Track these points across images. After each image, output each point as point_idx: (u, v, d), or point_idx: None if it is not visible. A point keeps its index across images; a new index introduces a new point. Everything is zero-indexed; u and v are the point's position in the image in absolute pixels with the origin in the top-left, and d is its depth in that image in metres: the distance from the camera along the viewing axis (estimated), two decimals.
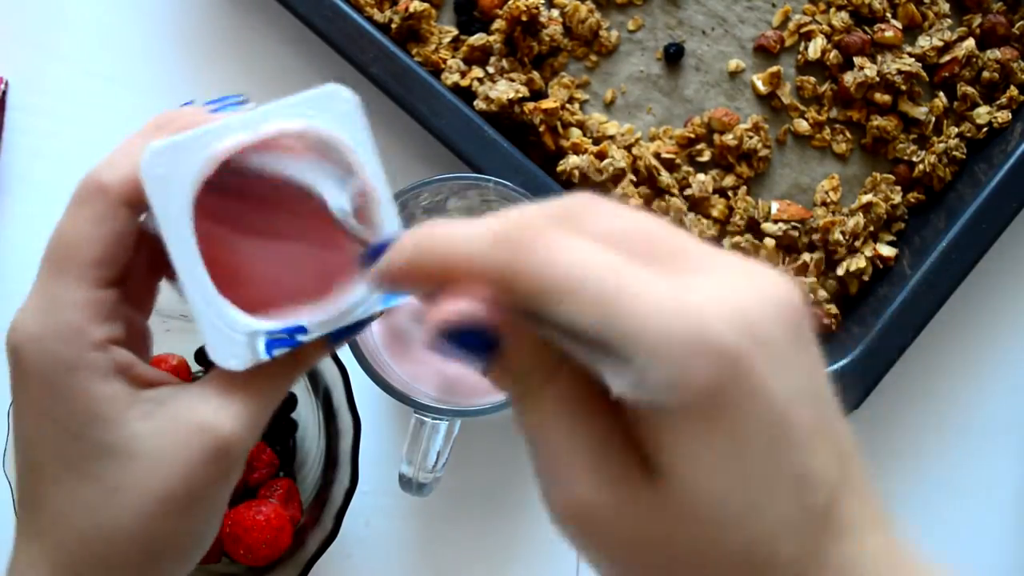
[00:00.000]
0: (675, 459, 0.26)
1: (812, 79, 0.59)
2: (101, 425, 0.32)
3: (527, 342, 0.28)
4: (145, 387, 0.33)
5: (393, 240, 0.28)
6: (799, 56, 0.59)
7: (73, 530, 0.32)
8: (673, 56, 0.59)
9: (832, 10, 0.59)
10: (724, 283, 0.26)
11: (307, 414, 0.56)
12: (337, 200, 0.34)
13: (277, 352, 0.33)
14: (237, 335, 0.33)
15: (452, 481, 0.57)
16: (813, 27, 0.59)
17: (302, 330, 0.34)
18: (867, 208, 0.58)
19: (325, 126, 0.34)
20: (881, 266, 0.59)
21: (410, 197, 0.49)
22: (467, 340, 0.27)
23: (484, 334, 0.27)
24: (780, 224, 0.58)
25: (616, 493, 0.26)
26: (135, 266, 0.34)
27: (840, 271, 0.58)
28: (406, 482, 0.50)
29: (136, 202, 0.33)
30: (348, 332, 0.35)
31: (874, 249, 0.58)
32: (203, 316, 0.33)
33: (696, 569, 0.27)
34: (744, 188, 0.58)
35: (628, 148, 0.58)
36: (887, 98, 0.58)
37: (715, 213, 0.58)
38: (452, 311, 0.27)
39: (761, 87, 0.59)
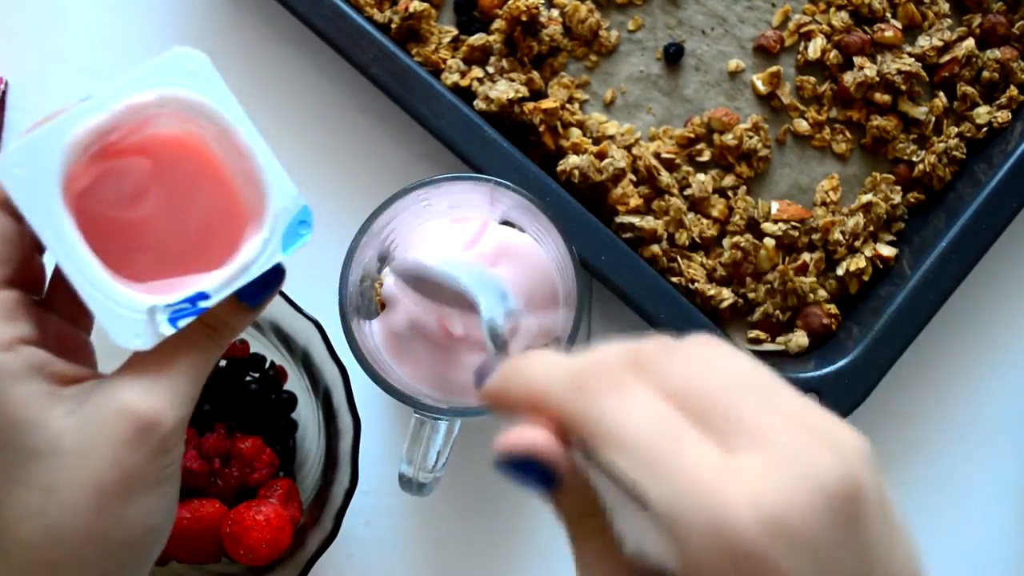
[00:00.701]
0: None
1: (812, 79, 0.59)
2: (24, 430, 0.32)
3: (583, 487, 0.29)
4: (67, 384, 0.33)
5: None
6: (799, 56, 0.59)
7: (19, 540, 0.32)
8: (673, 56, 0.59)
9: (832, 10, 0.59)
10: (772, 465, 0.25)
11: (307, 414, 0.56)
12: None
13: (183, 323, 0.33)
14: (136, 314, 0.33)
15: (452, 481, 0.57)
16: (813, 27, 0.59)
17: (203, 296, 0.34)
18: (867, 208, 0.58)
19: (181, 88, 0.34)
20: (881, 266, 0.59)
21: (410, 199, 0.49)
22: (527, 470, 0.28)
23: (543, 470, 0.28)
24: (780, 224, 0.58)
25: None
26: (58, 276, 0.34)
27: (840, 271, 0.58)
28: (406, 482, 0.50)
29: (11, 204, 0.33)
30: (260, 289, 0.35)
31: (874, 249, 0.58)
32: (94, 301, 0.32)
33: None
34: (744, 188, 0.58)
35: (628, 148, 0.58)
36: (887, 98, 0.58)
37: (715, 213, 0.58)
38: (518, 441, 0.28)
39: (761, 87, 0.59)
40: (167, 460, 0.33)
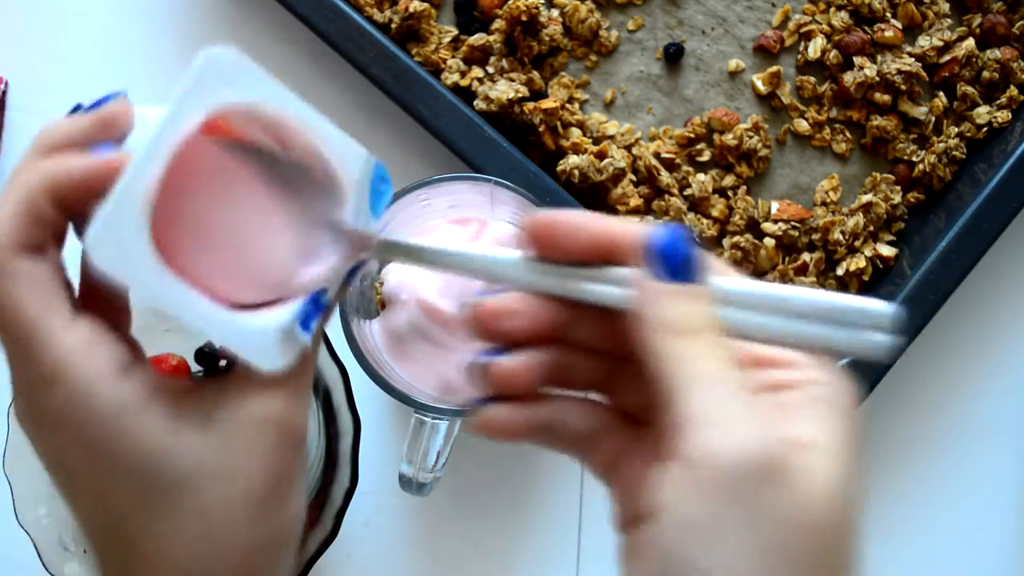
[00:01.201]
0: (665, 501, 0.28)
1: (812, 79, 0.59)
2: (159, 461, 0.31)
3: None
4: (180, 398, 0.32)
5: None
6: (799, 56, 0.59)
7: (181, 566, 0.31)
8: (673, 56, 0.59)
9: (832, 10, 0.59)
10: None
11: (307, 414, 0.56)
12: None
13: (315, 324, 0.33)
14: (270, 338, 0.31)
15: (452, 481, 0.57)
16: (813, 27, 0.59)
17: (322, 291, 0.33)
18: (867, 208, 0.58)
19: (232, 100, 0.32)
20: (881, 266, 0.59)
21: (411, 199, 0.49)
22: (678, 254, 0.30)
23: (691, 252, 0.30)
24: (780, 224, 0.58)
25: None
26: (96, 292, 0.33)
27: (840, 271, 0.58)
28: (406, 482, 0.50)
29: (33, 242, 0.31)
30: (350, 276, 0.34)
31: (874, 249, 0.58)
32: (232, 342, 0.31)
33: None
34: (744, 188, 0.58)
35: (628, 148, 0.58)
36: (887, 98, 0.58)
37: (715, 213, 0.58)
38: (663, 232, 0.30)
39: (761, 87, 0.59)
40: (303, 455, 0.33)
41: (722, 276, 0.31)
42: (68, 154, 0.32)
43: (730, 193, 0.58)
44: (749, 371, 0.30)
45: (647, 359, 0.29)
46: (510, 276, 0.32)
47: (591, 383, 0.33)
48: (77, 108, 0.34)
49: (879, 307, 0.31)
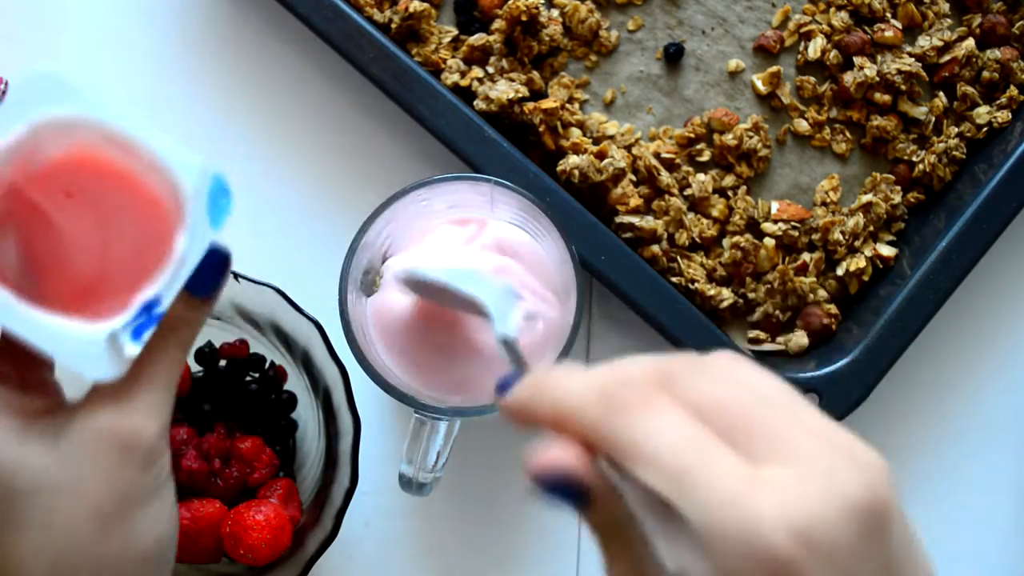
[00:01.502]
0: None
1: (812, 79, 0.59)
2: (4, 472, 0.31)
3: (615, 502, 0.29)
4: (38, 418, 0.32)
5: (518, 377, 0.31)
6: (799, 56, 0.59)
7: None
8: (673, 56, 0.59)
9: (832, 10, 0.59)
10: (799, 478, 0.26)
11: (307, 414, 0.56)
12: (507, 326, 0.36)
13: (147, 335, 0.32)
14: (97, 346, 0.32)
15: (452, 481, 0.57)
16: (813, 27, 0.59)
17: (155, 302, 0.32)
18: (867, 208, 0.58)
19: (47, 110, 0.32)
20: (881, 266, 0.59)
21: (409, 200, 0.49)
22: (561, 491, 0.29)
23: (574, 489, 0.29)
24: (780, 224, 0.58)
25: None
26: None
27: (840, 271, 0.58)
28: (406, 482, 0.50)
29: None
30: (208, 276, 0.34)
31: (874, 249, 0.58)
32: (51, 347, 0.31)
33: None
34: (744, 188, 0.58)
35: (628, 148, 0.58)
36: (887, 98, 0.58)
37: (715, 213, 0.58)
38: (551, 462, 0.28)
39: (761, 87, 0.59)
40: (156, 469, 0.33)
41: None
42: None
43: (730, 193, 0.58)
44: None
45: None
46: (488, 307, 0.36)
47: None
48: None
49: None
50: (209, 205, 0.34)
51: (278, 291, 0.50)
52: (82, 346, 0.32)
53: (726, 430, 0.27)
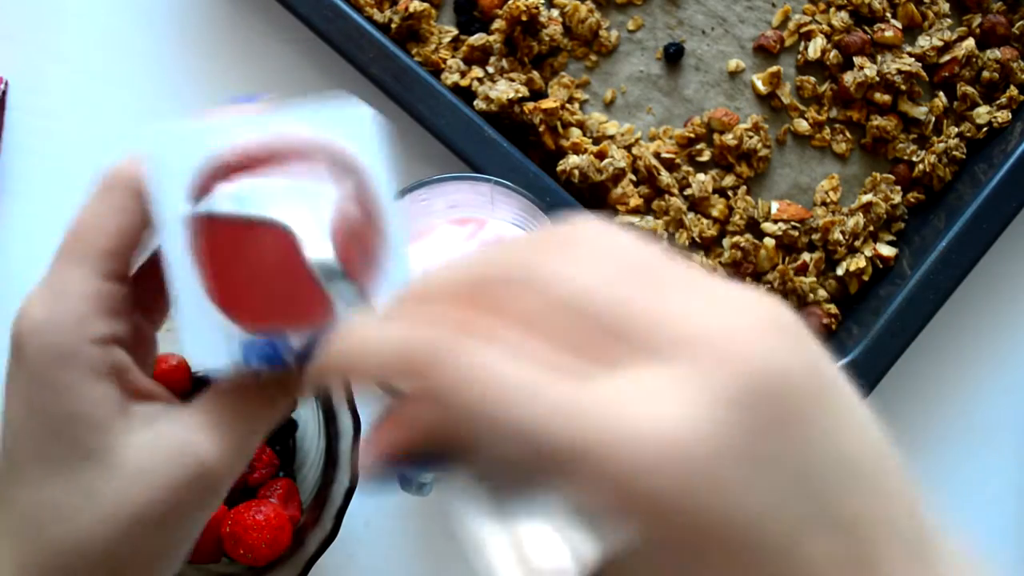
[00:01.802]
0: None
1: (812, 79, 0.59)
2: (85, 427, 0.31)
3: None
4: (137, 399, 0.32)
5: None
6: (799, 56, 0.59)
7: (44, 534, 0.31)
8: (673, 56, 0.59)
9: (832, 10, 0.59)
10: (673, 381, 0.22)
11: (307, 414, 0.56)
12: (317, 248, 0.31)
13: (255, 362, 0.32)
14: (216, 341, 0.31)
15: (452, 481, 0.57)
16: (813, 27, 0.59)
17: (285, 345, 0.32)
18: (867, 208, 0.58)
19: (337, 143, 0.32)
20: (881, 266, 0.59)
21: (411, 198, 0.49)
22: (420, 465, 0.26)
23: (431, 460, 0.26)
24: (780, 224, 0.58)
25: None
26: (151, 270, 0.33)
27: (840, 271, 0.58)
28: (406, 482, 0.50)
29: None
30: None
31: (874, 249, 0.58)
32: (186, 309, 0.31)
33: None
34: (744, 188, 0.58)
35: (628, 148, 0.58)
36: (887, 98, 0.58)
37: (715, 213, 0.58)
38: (379, 452, 0.26)
39: (761, 87, 0.59)
40: (206, 511, 0.33)
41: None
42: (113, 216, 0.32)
43: (730, 193, 0.58)
44: None
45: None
46: None
47: None
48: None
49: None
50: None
51: None
52: (207, 330, 0.32)
53: (573, 337, 0.23)
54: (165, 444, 0.31)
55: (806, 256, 0.58)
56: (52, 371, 0.31)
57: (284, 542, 0.51)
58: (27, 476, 0.31)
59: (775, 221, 0.58)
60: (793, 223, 0.58)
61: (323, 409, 0.53)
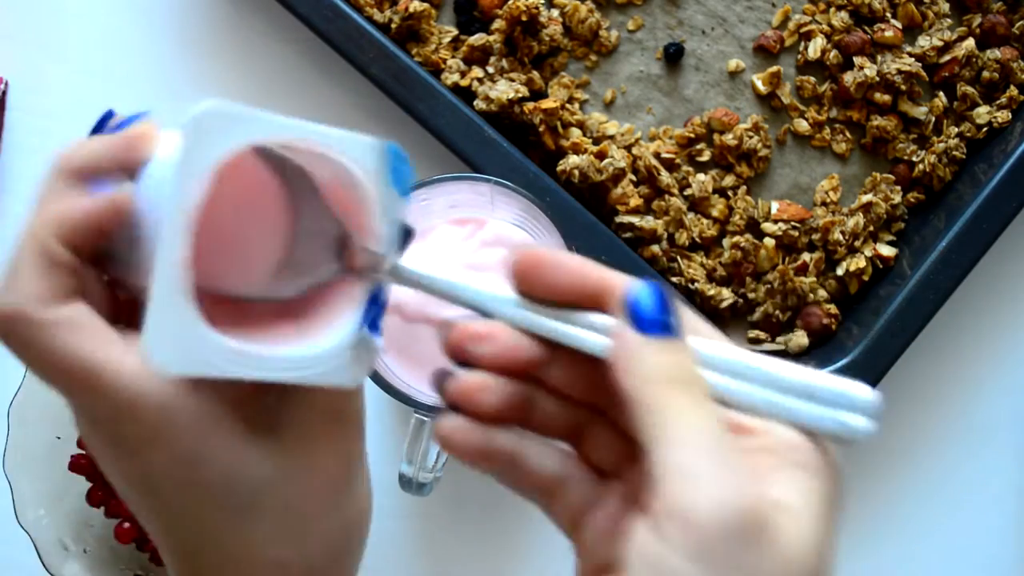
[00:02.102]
0: None
1: (812, 79, 0.59)
2: (239, 476, 0.31)
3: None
4: (244, 407, 0.32)
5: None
6: (799, 56, 0.59)
7: (268, 561, 0.32)
8: (673, 56, 0.59)
9: (832, 10, 0.59)
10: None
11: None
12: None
13: (380, 322, 0.32)
14: (345, 355, 0.31)
15: (452, 481, 0.57)
16: (813, 27, 0.59)
17: (379, 289, 0.32)
18: (867, 208, 0.58)
19: (356, 167, 0.33)
20: (881, 266, 0.59)
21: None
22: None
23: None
24: (780, 224, 0.58)
25: None
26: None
27: (840, 271, 0.58)
28: (406, 482, 0.50)
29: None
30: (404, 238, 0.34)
31: (874, 249, 0.58)
32: (310, 376, 0.31)
33: None
34: (744, 188, 0.58)
35: (628, 148, 0.58)
36: (887, 98, 0.58)
37: (715, 213, 0.58)
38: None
39: (761, 87, 0.59)
40: (364, 438, 0.34)
41: (699, 337, 0.30)
42: (71, 195, 0.32)
43: (730, 193, 0.58)
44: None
45: (629, 408, 0.28)
46: (496, 309, 0.31)
47: (561, 430, 0.32)
48: (108, 116, 0.34)
49: (859, 392, 0.29)
50: (392, 175, 0.34)
51: None
52: (333, 360, 0.31)
53: None
54: (315, 422, 0.32)
55: (806, 256, 0.58)
56: (198, 438, 0.30)
57: None
58: (226, 536, 0.32)
59: (775, 221, 0.58)
60: (793, 223, 0.58)
61: None
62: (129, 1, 0.60)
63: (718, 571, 0.26)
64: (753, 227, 0.58)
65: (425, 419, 0.49)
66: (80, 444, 0.54)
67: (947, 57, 0.59)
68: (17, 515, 0.50)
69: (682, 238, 0.58)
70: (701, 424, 0.27)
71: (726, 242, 0.58)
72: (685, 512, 0.26)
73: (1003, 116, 0.59)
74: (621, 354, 0.29)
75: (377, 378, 0.48)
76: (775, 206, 0.58)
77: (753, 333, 0.58)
